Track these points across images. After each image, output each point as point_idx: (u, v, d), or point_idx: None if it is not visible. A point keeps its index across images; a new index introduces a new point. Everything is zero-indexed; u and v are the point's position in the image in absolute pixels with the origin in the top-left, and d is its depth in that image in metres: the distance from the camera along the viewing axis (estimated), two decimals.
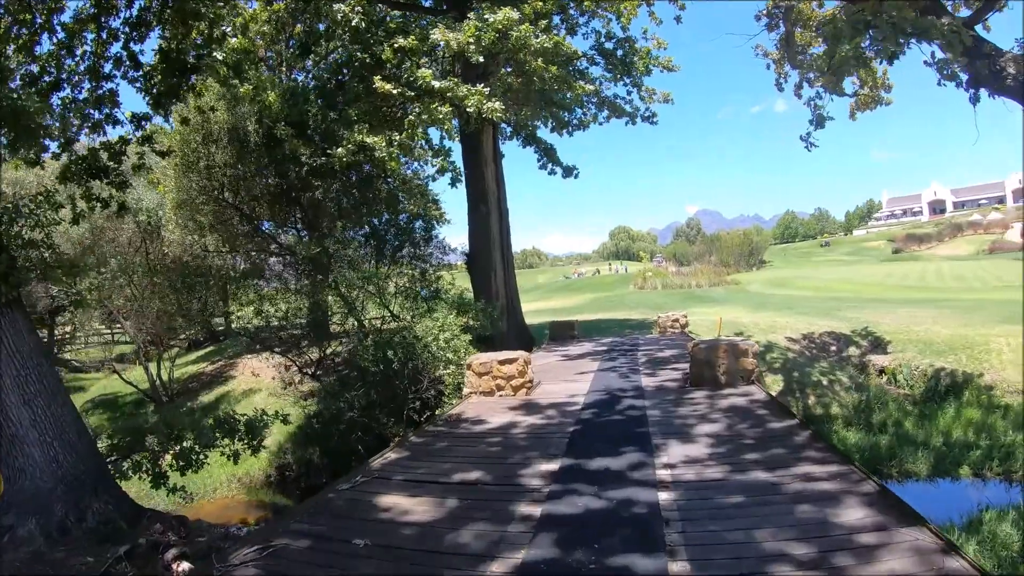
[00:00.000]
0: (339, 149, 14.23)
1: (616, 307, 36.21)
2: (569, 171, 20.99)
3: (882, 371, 20.36)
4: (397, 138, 14.30)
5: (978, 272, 48.71)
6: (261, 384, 21.85)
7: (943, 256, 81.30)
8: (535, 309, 42.09)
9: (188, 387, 24.04)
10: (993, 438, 14.49)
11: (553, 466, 5.85)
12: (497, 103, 14.19)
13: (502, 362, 9.86)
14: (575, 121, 19.34)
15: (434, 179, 23.13)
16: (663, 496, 4.84)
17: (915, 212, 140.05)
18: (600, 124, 21.61)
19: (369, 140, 14.27)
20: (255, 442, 10.59)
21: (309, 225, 17.23)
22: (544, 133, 21.93)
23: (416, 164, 26.99)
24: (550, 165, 21.72)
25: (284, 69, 19.79)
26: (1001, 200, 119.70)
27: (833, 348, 22.42)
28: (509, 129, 22.60)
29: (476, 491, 5.38)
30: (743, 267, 73.77)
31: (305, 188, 16.32)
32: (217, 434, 10.48)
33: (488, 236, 17.87)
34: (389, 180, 19.93)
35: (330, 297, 14.34)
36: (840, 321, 24.01)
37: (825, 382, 18.68)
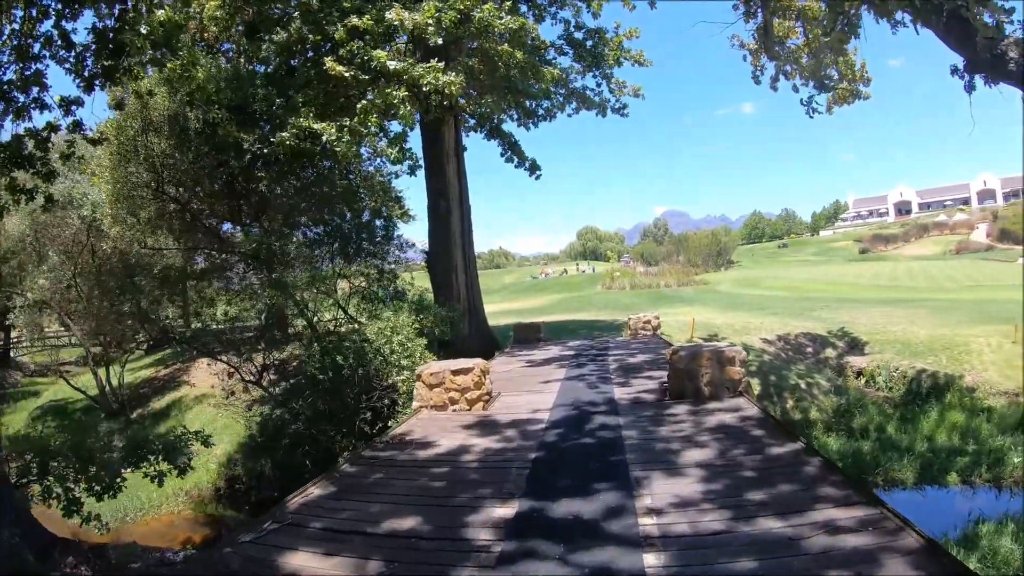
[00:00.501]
0: (282, 134, 12.90)
1: (584, 308, 35.23)
2: (534, 168, 19.88)
3: (860, 373, 19.76)
4: (348, 124, 12.98)
5: (948, 272, 48.87)
6: (216, 391, 20.56)
7: (911, 256, 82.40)
8: (501, 310, 40.96)
9: (140, 393, 22.85)
10: (980, 442, 13.91)
11: (508, 511, 4.65)
12: (456, 76, 13.01)
13: (456, 372, 8.66)
14: (541, 112, 18.18)
15: (396, 176, 22.23)
16: (650, 560, 3.62)
17: (881, 213, 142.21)
18: (569, 116, 20.57)
19: (317, 126, 12.96)
20: (181, 462, 9.40)
21: (256, 220, 15.84)
22: (511, 127, 20.84)
23: (379, 160, 25.92)
24: (515, 160, 20.59)
25: (242, 60, 18.30)
26: (966, 201, 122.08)
27: (809, 349, 21.71)
28: (472, 121, 21.46)
29: (408, 548, 4.14)
30: (711, 267, 73.73)
31: (249, 179, 14.88)
32: (130, 460, 9.28)
33: (449, 234, 16.70)
34: (351, 176, 18.72)
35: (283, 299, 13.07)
36: (815, 322, 23.34)
37: (803, 385, 17.91)
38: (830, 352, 21.23)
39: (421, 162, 17.33)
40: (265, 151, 13.71)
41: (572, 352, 15.96)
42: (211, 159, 14.59)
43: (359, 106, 13.24)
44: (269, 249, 13.15)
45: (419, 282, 18.00)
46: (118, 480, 9.97)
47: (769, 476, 4.85)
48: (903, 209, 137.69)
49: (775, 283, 48.09)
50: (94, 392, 21.37)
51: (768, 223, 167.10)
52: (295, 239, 14.28)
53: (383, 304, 14.87)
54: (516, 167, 20.69)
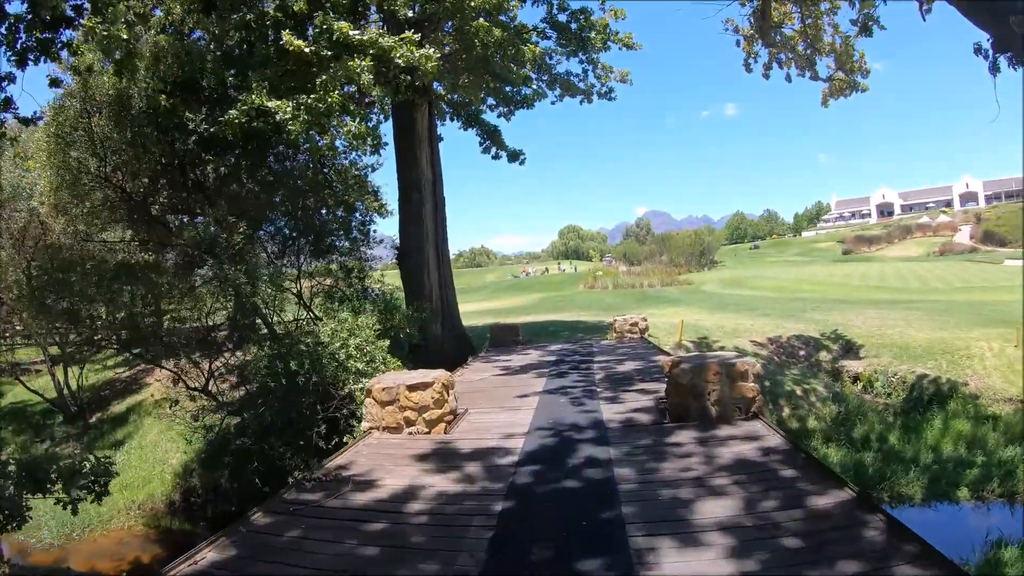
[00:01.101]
0: (231, 112, 11.42)
1: (566, 307, 33.98)
2: (515, 156, 18.54)
3: (856, 378, 18.75)
4: (305, 100, 11.51)
5: (937, 273, 48.26)
6: (180, 392, 19.27)
7: (895, 257, 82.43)
8: (481, 309, 39.71)
9: (100, 395, 21.55)
10: (988, 453, 12.91)
11: None
12: (432, 51, 11.62)
13: (413, 387, 7.23)
14: (521, 97, 16.74)
15: (373, 169, 21.17)
16: None
17: (863, 214, 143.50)
18: (552, 104, 19.25)
19: (271, 103, 11.50)
20: (78, 494, 8.00)
21: (205, 210, 14.28)
22: (490, 117, 19.47)
23: (355, 154, 24.43)
24: (494, 149, 19.24)
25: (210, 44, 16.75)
26: (948, 204, 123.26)
27: (802, 353, 20.62)
28: (448, 110, 20.08)
29: None
30: (694, 267, 73.35)
31: (196, 164, 13.31)
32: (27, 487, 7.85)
33: (422, 229, 15.31)
34: (326, 169, 17.32)
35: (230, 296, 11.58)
36: (807, 323, 22.27)
37: (799, 392, 16.77)
38: (824, 355, 20.19)
39: (385, 140, 15.94)
40: (211, 131, 12.20)
41: (553, 358, 14.69)
42: (156, 142, 13.05)
43: (318, 81, 11.80)
44: (214, 241, 11.67)
45: (394, 281, 16.71)
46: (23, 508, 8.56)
47: (820, 545, 3.49)
48: (885, 211, 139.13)
49: (761, 283, 47.21)
50: (52, 395, 20.35)
51: (751, 224, 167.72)
52: (241, 230, 12.74)
53: (348, 304, 13.49)
54: (495, 158, 19.41)
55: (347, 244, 16.18)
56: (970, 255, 73.34)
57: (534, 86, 15.55)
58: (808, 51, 19.54)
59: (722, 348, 18.54)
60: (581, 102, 19.07)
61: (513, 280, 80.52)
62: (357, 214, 18.70)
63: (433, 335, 14.94)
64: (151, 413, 18.82)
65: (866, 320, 22.56)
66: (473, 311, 38.56)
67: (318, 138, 13.01)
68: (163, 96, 12.62)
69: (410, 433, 7.26)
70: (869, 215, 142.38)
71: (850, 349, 20.19)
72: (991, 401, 15.97)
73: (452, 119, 19.87)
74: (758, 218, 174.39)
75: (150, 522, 14.45)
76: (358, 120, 11.75)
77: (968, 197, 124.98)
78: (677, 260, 72.54)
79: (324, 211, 16.20)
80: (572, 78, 18.44)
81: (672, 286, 48.48)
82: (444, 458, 6.21)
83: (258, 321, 14.30)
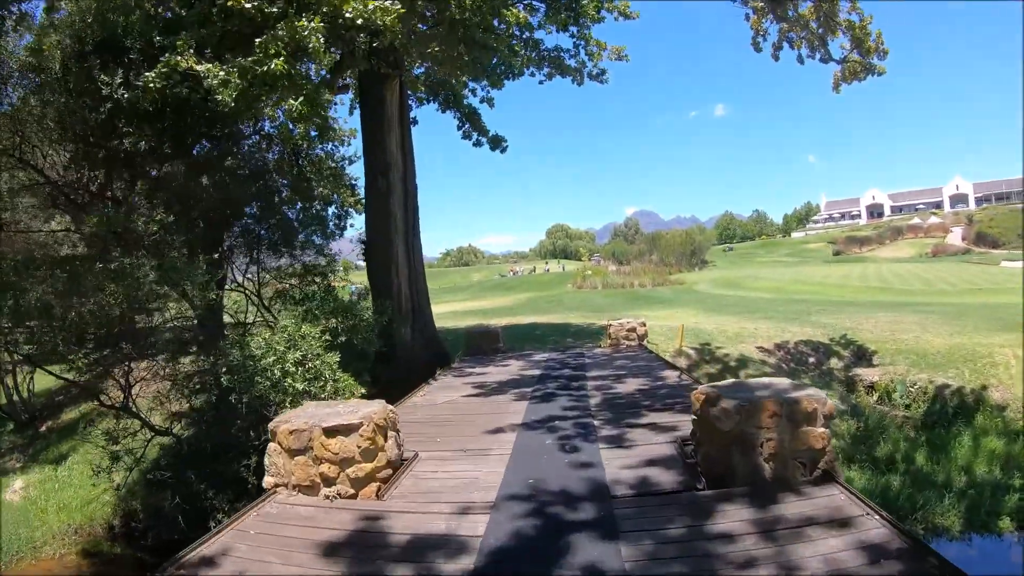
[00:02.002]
0: (148, 74, 9.43)
1: (554, 309, 32.09)
2: (497, 142, 16.65)
3: (872, 387, 17.08)
4: (240, 63, 9.52)
5: (939, 274, 46.79)
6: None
7: (888, 258, 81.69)
8: (464, 310, 37.88)
9: (55, 401, 19.49)
10: None
11: None
12: (390, 3, 9.65)
13: (331, 431, 5.10)
14: (503, 69, 14.71)
15: (351, 161, 19.79)
16: None
17: (853, 215, 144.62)
18: (540, 83, 17.33)
19: (200, 67, 9.53)
20: None
21: (123, 193, 12.26)
22: (473, 103, 17.55)
23: (331, 145, 23.35)
24: (475, 135, 17.35)
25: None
26: (938, 205, 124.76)
27: (812, 360, 18.87)
28: (425, 96, 18.15)
29: None
30: (685, 267, 71.99)
31: (109, 135, 11.27)
32: None
33: (389, 220, 13.38)
34: (301, 162, 15.45)
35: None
36: (813, 327, 20.53)
37: None
38: (836, 363, 18.50)
39: (340, 122, 13.99)
40: (127, 96, 10.18)
41: (537, 371, 12.33)
42: (70, 111, 11.05)
43: (258, 42, 9.81)
44: (128, 227, 9.68)
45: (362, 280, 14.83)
46: None
47: None
48: (875, 212, 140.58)
49: (757, 284, 45.56)
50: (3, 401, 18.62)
51: (739, 224, 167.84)
52: (158, 217, 10.67)
53: (306, 307, 11.56)
54: (476, 144, 17.53)
55: (315, 239, 14.39)
56: (964, 256, 73.13)
57: (520, 51, 13.52)
58: (821, 30, 17.85)
59: (726, 356, 16.75)
60: (573, 81, 17.21)
61: (500, 279, 79.10)
62: (332, 208, 17.73)
63: (402, 341, 13.05)
64: (100, 422, 16.92)
65: (877, 324, 20.87)
66: (455, 311, 36.69)
67: (263, 119, 11.11)
68: (80, 58, 10.61)
69: (328, 496, 5.17)
70: (859, 216, 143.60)
71: (862, 356, 18.55)
72: (1020, 414, 14.50)
73: (429, 101, 17.92)
74: (747, 219, 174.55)
75: (90, 547, 12.62)
76: (300, 100, 9.65)
77: (958, 199, 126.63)
78: (668, 260, 71.14)
79: (283, 203, 14.30)
80: (562, 55, 16.58)
81: (664, 286, 46.79)
82: (363, 552, 4.21)
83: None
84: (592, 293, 43.91)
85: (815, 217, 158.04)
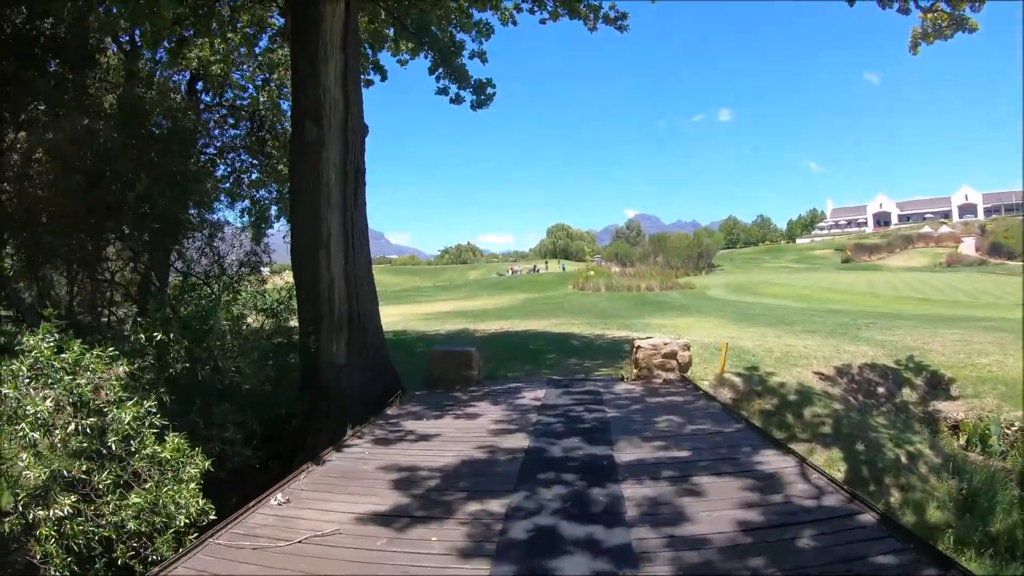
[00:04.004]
0: None
1: (553, 312, 27.99)
2: (481, 90, 12.65)
3: (956, 427, 13.26)
4: None
5: (978, 286, 42.79)
6: None
7: (899, 267, 79.68)
8: (454, 310, 33.88)
9: None
10: None
11: None
12: None
13: None
14: None
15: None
16: None
17: (859, 223, 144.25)
18: (542, 23, 13.29)
19: None
20: None
21: None
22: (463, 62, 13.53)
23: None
24: (454, 88, 13.32)
25: None
26: (946, 215, 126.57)
27: (881, 390, 14.84)
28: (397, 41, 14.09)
29: None
30: (692, 270, 68.64)
31: None
32: None
33: (319, 184, 9.25)
34: (262, 132, 11.53)
35: None
36: (869, 345, 16.46)
37: (903, 458, 11.04)
38: (908, 393, 14.53)
39: None
40: None
41: (522, 442, 7.08)
42: None
43: None
44: None
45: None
46: None
47: None
48: (882, 220, 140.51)
49: (776, 290, 41.49)
50: None
51: (743, 228, 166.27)
52: None
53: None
54: (454, 101, 13.51)
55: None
56: (986, 268, 71.25)
57: None
58: None
59: (782, 385, 12.65)
60: (584, 23, 13.17)
61: (497, 279, 75.83)
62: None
63: (330, 363, 8.93)
64: None
65: (945, 343, 16.87)
66: (443, 312, 32.65)
67: None
68: None
69: None
70: (865, 224, 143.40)
71: (937, 384, 14.62)
72: None
73: (399, 44, 13.81)
74: (751, 224, 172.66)
75: None
76: None
77: (967, 208, 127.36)
78: (673, 262, 67.96)
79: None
80: None
81: (673, 290, 42.81)
82: None
83: None
84: (595, 296, 39.89)
85: (820, 224, 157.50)
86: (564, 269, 77.20)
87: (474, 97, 13.08)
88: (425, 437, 7.41)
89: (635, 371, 10.83)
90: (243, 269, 12.70)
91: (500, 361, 13.16)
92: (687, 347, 10.93)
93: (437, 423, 8.15)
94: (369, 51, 14.76)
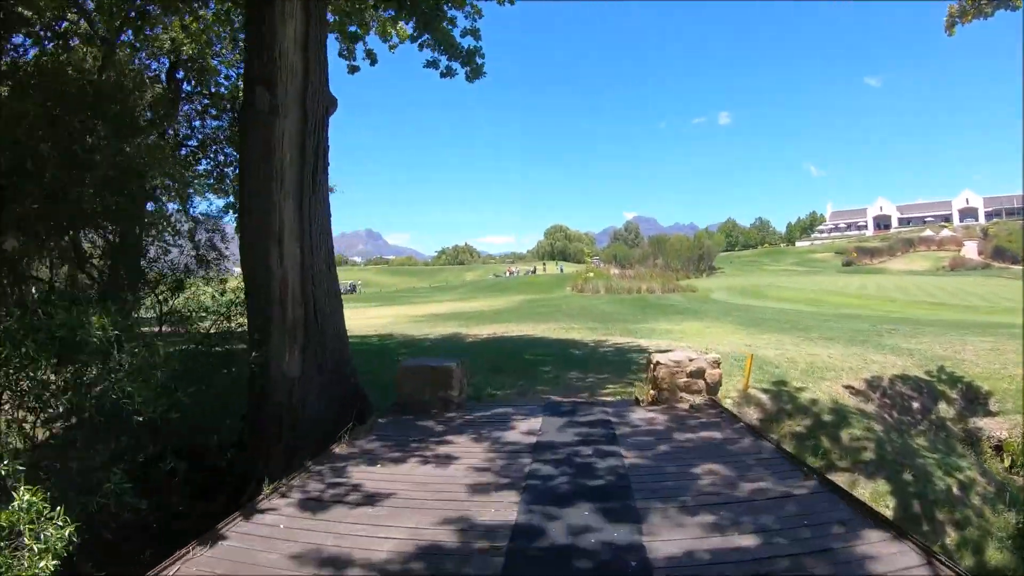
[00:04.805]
0: None
1: (551, 315, 26.44)
2: (471, 57, 11.15)
3: (999, 447, 11.80)
4: None
5: (992, 289, 41.29)
6: None
7: (901, 270, 78.95)
8: (448, 312, 32.33)
9: None
10: None
11: None
12: None
13: None
14: None
15: None
16: None
17: (860, 226, 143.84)
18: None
19: None
20: None
21: None
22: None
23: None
24: (443, 59, 11.77)
25: None
26: (947, 218, 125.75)
27: (916, 405, 13.32)
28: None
29: None
30: (692, 272, 67.32)
31: None
32: None
33: (269, 161, 7.68)
34: None
35: None
36: (897, 355, 14.89)
37: (954, 488, 9.54)
38: (945, 408, 13.02)
39: None
40: None
41: (516, 498, 5.35)
42: None
43: None
44: None
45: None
46: None
47: None
48: (882, 223, 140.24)
49: (782, 293, 39.97)
50: None
51: (741, 231, 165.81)
52: None
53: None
54: (445, 75, 11.98)
55: None
56: (992, 271, 70.49)
57: None
58: None
59: (813, 402, 11.08)
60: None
61: (494, 280, 74.50)
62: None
63: (280, 378, 7.35)
64: None
65: (978, 352, 15.38)
66: (436, 314, 31.06)
67: None
68: None
69: None
70: (865, 227, 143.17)
71: (975, 398, 13.14)
72: None
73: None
74: (749, 226, 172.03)
75: None
76: None
77: (968, 212, 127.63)
78: (674, 264, 66.66)
79: None
80: None
81: (675, 293, 41.33)
82: None
83: None
84: (595, 298, 38.34)
85: (820, 227, 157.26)
86: (562, 271, 75.80)
87: (467, 68, 11.52)
88: (373, 498, 5.41)
89: (652, 392, 8.73)
90: (197, 268, 11.10)
91: (489, 375, 11.45)
92: (717, 363, 8.95)
93: (395, 471, 6.18)
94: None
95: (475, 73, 11.76)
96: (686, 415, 8.25)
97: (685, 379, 8.62)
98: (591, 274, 52.50)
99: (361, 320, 29.55)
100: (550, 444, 7.11)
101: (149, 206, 12.90)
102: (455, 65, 11.58)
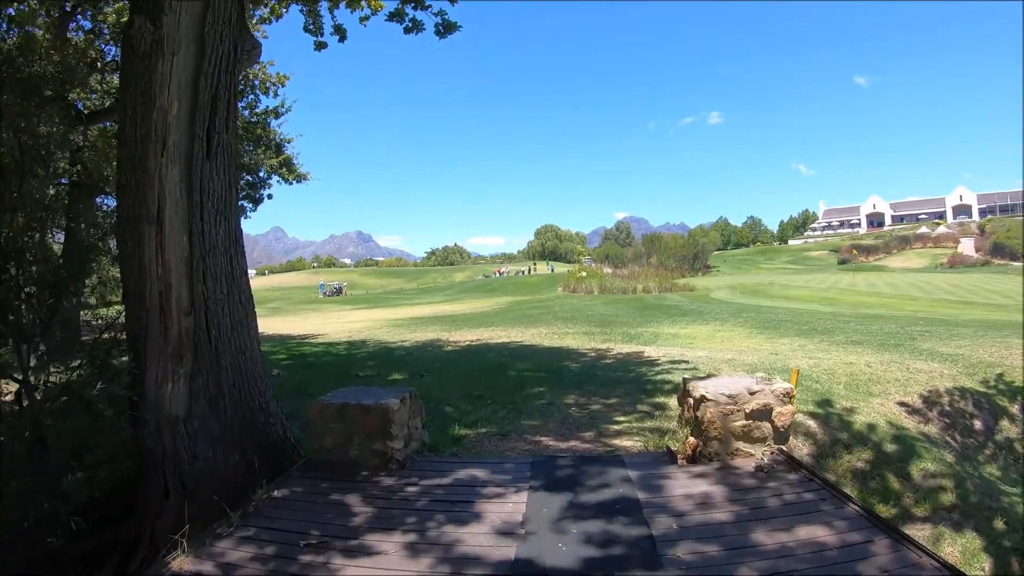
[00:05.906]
0: None
1: (542, 318, 24.26)
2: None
3: None
4: None
5: (1008, 286, 39.33)
6: None
7: (899, 268, 77.74)
8: (431, 315, 30.11)
9: None
10: None
11: None
12: None
13: None
14: None
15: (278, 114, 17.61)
16: None
17: (852, 224, 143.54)
18: None
19: None
20: None
21: None
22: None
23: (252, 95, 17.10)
24: (410, 9, 9.63)
25: None
26: (941, 215, 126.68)
27: (978, 424, 11.24)
28: None
29: None
30: (687, 271, 65.56)
31: None
32: None
33: (147, 116, 5.49)
34: None
35: None
36: (942, 362, 12.71)
37: None
38: (1008, 427, 10.95)
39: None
40: None
41: None
42: None
43: None
44: None
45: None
46: None
47: None
48: (875, 221, 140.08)
49: (787, 292, 37.88)
50: None
51: (733, 230, 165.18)
52: None
53: None
54: (410, 30, 9.83)
55: None
56: (984, 268, 69.77)
57: None
58: None
59: (870, 427, 8.94)
60: None
61: (483, 280, 72.50)
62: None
63: (166, 416, 5.18)
64: None
65: (1017, 355, 13.41)
66: (418, 317, 28.83)
67: None
68: None
69: None
70: (859, 224, 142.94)
71: None
72: None
73: None
74: (741, 225, 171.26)
75: None
76: None
77: (961, 209, 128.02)
78: (668, 263, 64.67)
79: None
80: None
81: (673, 292, 39.28)
82: None
83: None
84: (589, 299, 36.20)
85: (813, 224, 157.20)
86: (553, 270, 73.76)
87: (437, 19, 9.35)
88: None
89: (694, 441, 5.80)
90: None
91: (460, 402, 9.20)
92: (788, 396, 5.74)
93: None
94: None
95: (447, 28, 9.58)
96: (753, 485, 5.18)
97: (743, 421, 5.59)
98: (584, 273, 50.35)
99: (337, 324, 27.34)
100: (539, 566, 3.88)
101: None
102: (422, 16, 9.40)
